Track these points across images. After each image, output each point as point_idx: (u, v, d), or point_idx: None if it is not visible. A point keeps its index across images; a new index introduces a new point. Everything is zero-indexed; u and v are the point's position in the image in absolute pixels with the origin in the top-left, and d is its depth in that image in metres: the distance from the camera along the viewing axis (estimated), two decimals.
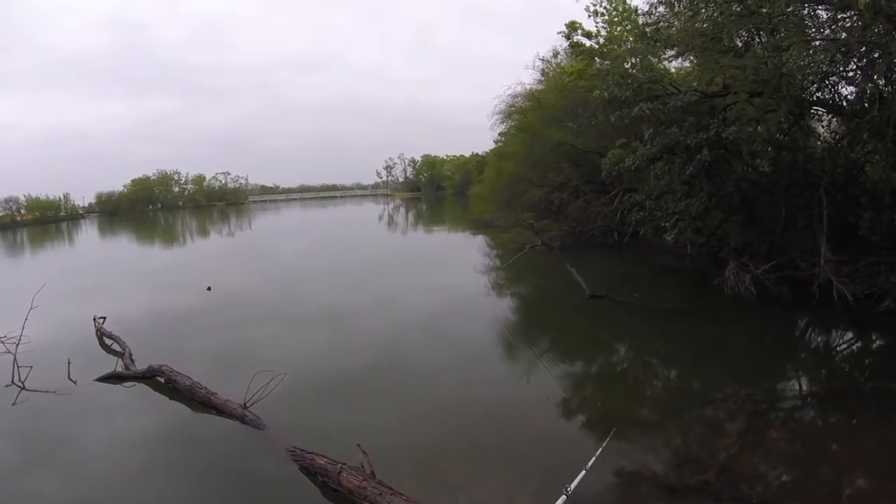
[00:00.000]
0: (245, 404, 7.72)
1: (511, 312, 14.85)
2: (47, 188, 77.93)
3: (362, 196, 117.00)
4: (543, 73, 28.26)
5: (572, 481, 5.25)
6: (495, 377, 9.41)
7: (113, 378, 9.56)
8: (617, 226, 21.01)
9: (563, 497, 5.07)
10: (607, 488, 5.84)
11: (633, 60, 19.89)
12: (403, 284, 17.96)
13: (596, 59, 22.40)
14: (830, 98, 13.55)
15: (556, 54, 27.78)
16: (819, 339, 11.74)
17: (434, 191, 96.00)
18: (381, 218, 56.67)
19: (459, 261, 23.20)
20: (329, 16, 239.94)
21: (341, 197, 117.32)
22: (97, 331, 12.36)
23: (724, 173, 13.93)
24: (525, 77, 39.21)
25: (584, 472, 5.41)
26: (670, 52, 16.59)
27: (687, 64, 16.96)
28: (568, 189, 23.10)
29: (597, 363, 10.68)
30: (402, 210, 69.81)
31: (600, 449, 5.92)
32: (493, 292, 17.14)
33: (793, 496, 5.55)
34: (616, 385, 9.24)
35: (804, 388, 8.91)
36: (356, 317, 13.74)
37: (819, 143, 15.11)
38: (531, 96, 27.28)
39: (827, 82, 13.10)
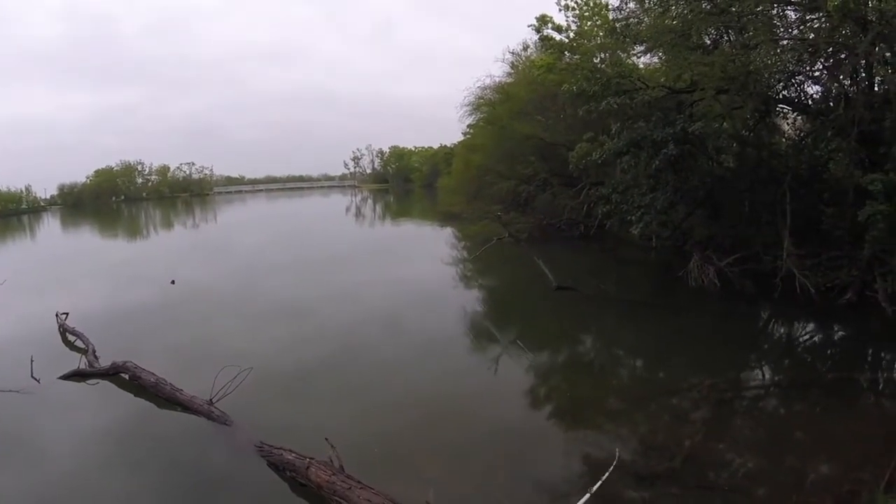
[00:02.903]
0: (211, 400, 7.49)
1: (478, 304, 14.85)
2: (8, 180, 74.25)
3: (329, 187, 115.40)
4: (513, 66, 28.35)
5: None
6: (463, 369, 9.39)
7: (76, 376, 9.21)
8: (583, 219, 21.17)
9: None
10: (575, 476, 5.87)
11: (603, 55, 20.04)
12: (370, 277, 17.71)
13: (566, 53, 22.49)
14: (796, 97, 13.88)
15: (525, 48, 27.90)
16: (782, 330, 12.01)
17: (402, 183, 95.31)
18: (348, 210, 55.96)
19: (427, 253, 23.07)
20: (290, 9, 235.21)
21: (308, 188, 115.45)
22: (60, 327, 11.86)
23: (689, 168, 14.12)
24: (494, 70, 39.08)
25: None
26: (639, 48, 16.75)
27: (656, 60, 17.12)
28: (535, 182, 23.16)
29: (564, 354, 10.77)
30: (370, 202, 69.06)
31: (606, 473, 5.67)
32: (460, 284, 17.10)
33: (758, 483, 5.64)
34: (583, 375, 9.34)
35: (768, 377, 9.13)
36: (322, 310, 13.50)
37: (784, 140, 15.47)
38: (500, 89, 27.29)
39: (793, 81, 13.43)
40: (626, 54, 18.68)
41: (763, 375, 9.28)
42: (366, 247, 26.98)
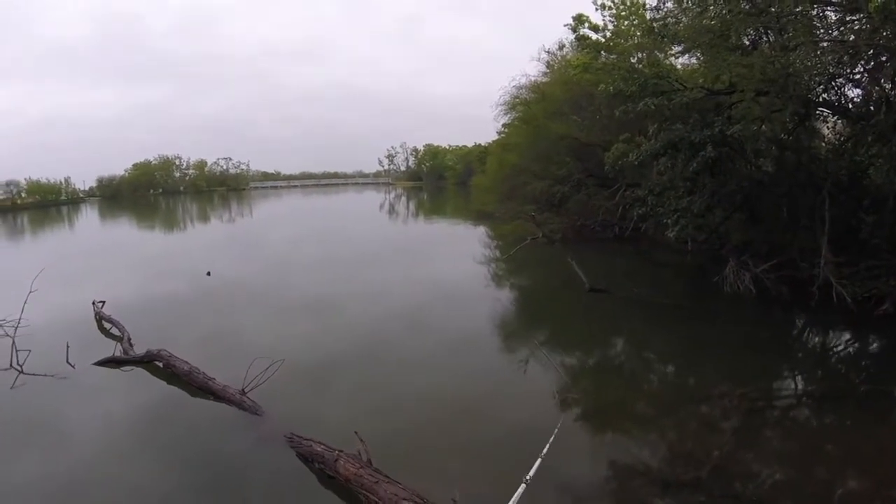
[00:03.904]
0: (243, 390, 7.77)
1: (509, 304, 14.87)
2: (45, 173, 77.15)
3: (364, 184, 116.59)
4: (548, 65, 28.17)
5: (530, 469, 5.40)
6: (490, 368, 9.45)
7: (111, 362, 9.60)
8: (618, 220, 20.96)
9: (523, 486, 5.18)
10: (602, 481, 5.93)
11: (640, 55, 19.83)
12: (401, 275, 17.95)
13: (602, 52, 22.31)
14: (836, 100, 13.47)
15: (561, 47, 27.71)
16: (817, 339, 11.74)
17: (435, 180, 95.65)
18: (381, 207, 56.47)
19: (458, 251, 23.14)
20: (316, 7, 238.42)
21: (343, 184, 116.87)
22: (96, 315, 12.37)
23: (727, 171, 13.89)
24: (530, 69, 39.00)
25: (539, 461, 5.55)
26: (677, 49, 16.54)
27: (693, 61, 16.86)
28: (570, 182, 22.97)
29: (594, 356, 10.71)
30: (404, 199, 69.58)
31: (552, 436, 6.09)
32: (491, 283, 17.12)
33: (786, 495, 5.59)
34: (612, 379, 9.28)
35: (800, 387, 8.95)
36: (352, 306, 13.73)
37: (823, 144, 15.06)
38: (535, 88, 27.16)
39: (833, 84, 13.03)
40: (663, 54, 18.48)
41: (796, 385, 9.10)
42: (398, 244, 27.27)
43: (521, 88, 28.36)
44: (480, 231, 30.02)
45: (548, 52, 28.41)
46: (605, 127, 20.54)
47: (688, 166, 13.44)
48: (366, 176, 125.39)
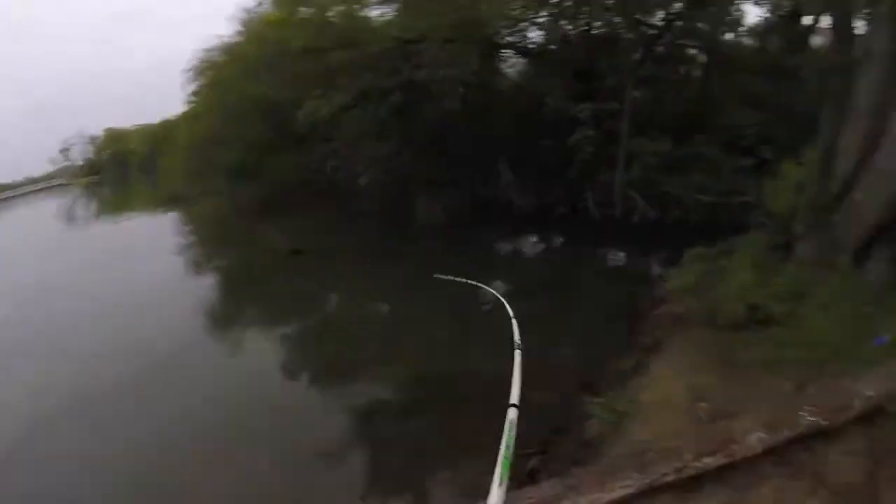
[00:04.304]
0: None
1: (212, 290, 13.30)
2: None
3: (35, 192, 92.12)
4: (245, 24, 25.94)
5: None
6: (212, 364, 8.66)
7: None
8: (314, 176, 20.14)
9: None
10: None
11: (338, 9, 19.35)
12: (96, 297, 13.60)
13: (301, 7, 21.26)
14: (519, 41, 15.07)
15: (260, 2, 25.75)
16: (509, 246, 13.59)
17: (119, 170, 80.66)
18: (46, 220, 43.47)
19: (152, 248, 19.56)
20: None
21: (11, 198, 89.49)
22: None
23: (415, 115, 14.24)
24: (225, 31, 35.18)
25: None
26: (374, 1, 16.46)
27: (391, 12, 17.01)
28: (263, 146, 21.49)
29: (309, 319, 10.57)
30: (82, 201, 54.39)
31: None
32: (190, 273, 15.09)
33: None
34: (329, 333, 9.55)
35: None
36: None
37: (505, 80, 16.64)
38: (228, 50, 24.80)
39: (517, 27, 14.54)
40: (360, 6, 18.24)
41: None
42: (86, 258, 20.34)
43: (213, 51, 25.64)
44: (170, 218, 26.33)
45: (246, 10, 26.16)
46: (299, 85, 19.54)
47: (377, 114, 13.41)
48: (37, 181, 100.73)
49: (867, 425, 5.17)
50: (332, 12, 17.48)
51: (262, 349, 8.97)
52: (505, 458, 1.57)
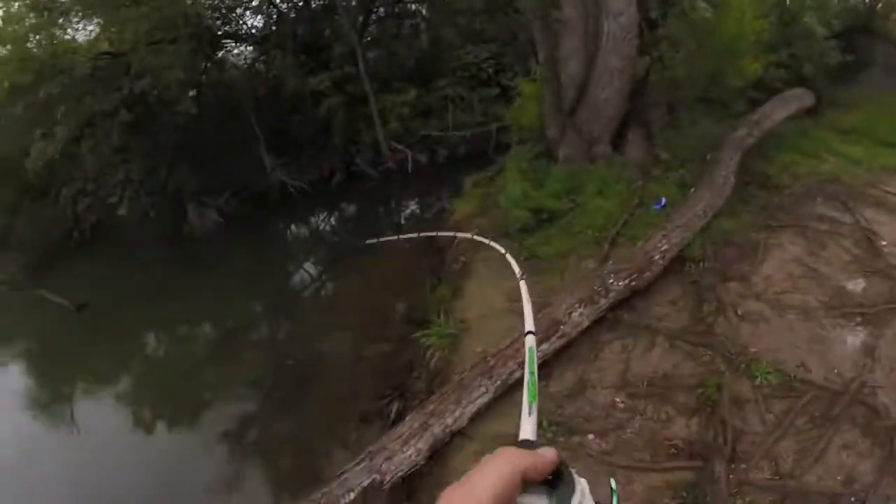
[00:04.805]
0: None
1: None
2: None
3: None
4: None
5: None
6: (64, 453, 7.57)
7: None
8: (73, 223, 18.12)
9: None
10: None
11: (36, 38, 17.31)
12: None
13: None
14: (240, 29, 14.77)
15: None
16: (301, 230, 13.95)
17: None
18: None
19: None
20: None
21: None
22: None
23: (153, 128, 13.52)
24: None
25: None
26: (76, 19, 14.89)
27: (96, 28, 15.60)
28: (4, 209, 18.75)
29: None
30: None
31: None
32: None
33: None
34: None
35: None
36: None
37: (236, 70, 16.27)
38: None
39: (233, 16, 14.20)
40: (62, 31, 16.50)
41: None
42: None
43: None
44: None
45: None
46: (20, 131, 17.32)
47: (110, 136, 12.49)
48: None
49: (676, 273, 6.14)
50: (31, 43, 15.65)
51: (103, 419, 8.23)
52: (531, 384, 1.63)
